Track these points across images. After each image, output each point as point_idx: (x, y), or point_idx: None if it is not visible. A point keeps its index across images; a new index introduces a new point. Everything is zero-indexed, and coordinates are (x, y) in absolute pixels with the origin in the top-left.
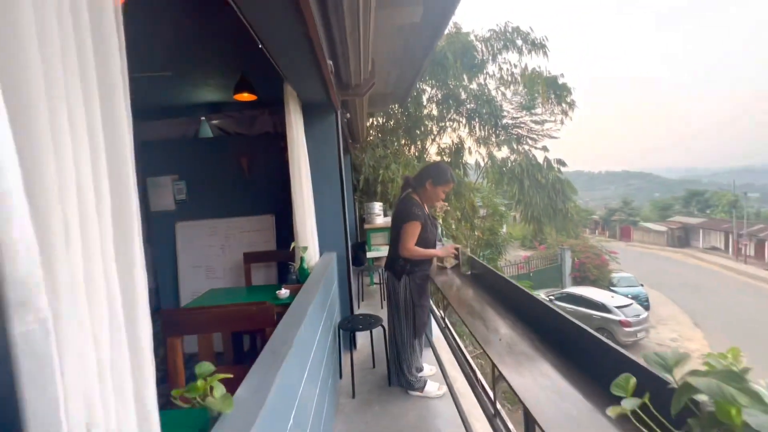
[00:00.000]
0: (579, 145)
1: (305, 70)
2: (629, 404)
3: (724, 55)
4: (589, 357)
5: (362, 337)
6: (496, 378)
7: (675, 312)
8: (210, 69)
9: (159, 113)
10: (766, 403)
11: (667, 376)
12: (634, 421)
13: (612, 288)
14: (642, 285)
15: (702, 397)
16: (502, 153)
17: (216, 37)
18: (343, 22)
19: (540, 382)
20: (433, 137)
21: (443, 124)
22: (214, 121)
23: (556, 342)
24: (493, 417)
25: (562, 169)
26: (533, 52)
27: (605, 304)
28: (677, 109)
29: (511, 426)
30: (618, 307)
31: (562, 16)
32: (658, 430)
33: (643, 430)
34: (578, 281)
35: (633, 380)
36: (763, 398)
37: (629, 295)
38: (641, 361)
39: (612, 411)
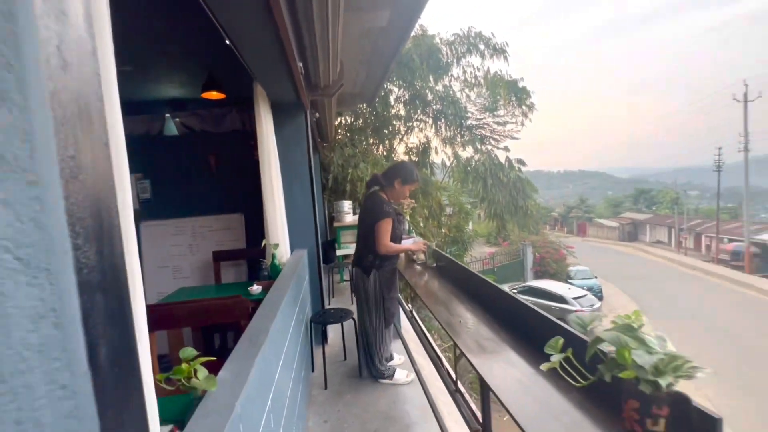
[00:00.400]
0: (538, 146)
1: (276, 72)
2: (556, 358)
3: (667, 65)
4: (534, 331)
5: (333, 332)
6: (458, 357)
7: (625, 301)
8: (175, 65)
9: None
10: (649, 346)
11: (584, 335)
12: (561, 372)
13: (569, 280)
14: (596, 277)
15: (609, 348)
16: (467, 153)
17: (182, 33)
18: (313, 25)
19: (494, 357)
20: (401, 137)
21: (410, 124)
22: (177, 119)
23: (508, 321)
24: (454, 392)
25: (523, 168)
26: (494, 57)
27: (563, 296)
28: (628, 112)
29: (469, 400)
30: (574, 298)
31: (520, 24)
32: (577, 376)
33: (567, 378)
34: (539, 275)
35: (561, 340)
36: (648, 342)
37: (585, 287)
38: (568, 327)
39: (544, 366)
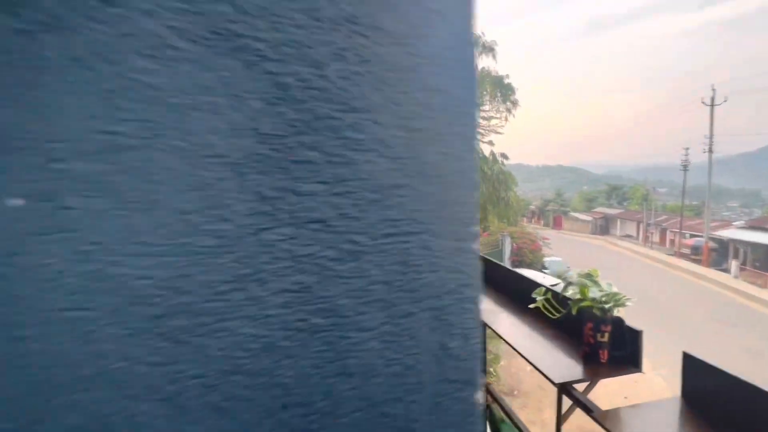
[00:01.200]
0: (520, 140)
1: None
2: (540, 299)
3: (638, 63)
4: (522, 292)
5: None
6: None
7: None
8: None
9: None
10: (600, 286)
11: (558, 282)
12: (543, 309)
13: (544, 270)
14: (569, 267)
15: (574, 291)
16: None
17: None
18: None
19: (492, 310)
20: None
21: None
22: None
23: (503, 288)
24: None
25: (505, 162)
26: (483, 54)
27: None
28: (603, 110)
29: None
30: None
31: (506, 20)
32: (553, 310)
33: (547, 313)
34: (516, 264)
35: (543, 288)
36: (599, 284)
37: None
38: (546, 286)
39: (533, 305)
